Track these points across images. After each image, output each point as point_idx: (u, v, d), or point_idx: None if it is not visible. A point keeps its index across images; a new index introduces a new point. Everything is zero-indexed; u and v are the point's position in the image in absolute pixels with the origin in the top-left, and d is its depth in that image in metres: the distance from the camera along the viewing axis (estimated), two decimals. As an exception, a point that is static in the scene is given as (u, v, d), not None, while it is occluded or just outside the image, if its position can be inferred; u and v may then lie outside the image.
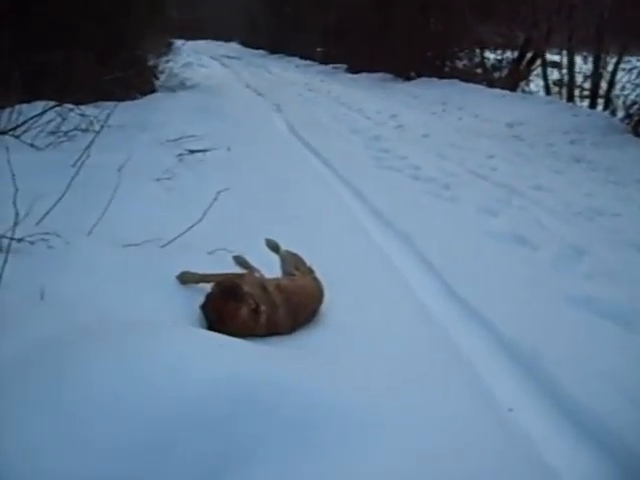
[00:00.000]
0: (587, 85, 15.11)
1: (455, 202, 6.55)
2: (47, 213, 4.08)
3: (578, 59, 15.39)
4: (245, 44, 45.22)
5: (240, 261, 4.15)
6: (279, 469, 2.32)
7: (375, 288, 4.25)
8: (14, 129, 6.74)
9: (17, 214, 3.46)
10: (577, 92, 15.30)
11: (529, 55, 17.75)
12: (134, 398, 2.35)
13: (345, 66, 25.32)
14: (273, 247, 4.48)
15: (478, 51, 19.30)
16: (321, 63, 28.16)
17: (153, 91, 13.46)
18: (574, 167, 8.53)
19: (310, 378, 2.60)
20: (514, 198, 6.72)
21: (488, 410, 3.07)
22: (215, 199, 4.46)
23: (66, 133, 6.86)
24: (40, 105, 7.17)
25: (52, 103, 7.07)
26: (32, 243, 3.53)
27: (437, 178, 7.49)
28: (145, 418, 2.30)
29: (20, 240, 3.55)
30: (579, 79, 15.34)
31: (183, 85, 15.54)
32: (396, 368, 3.17)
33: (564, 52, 15.70)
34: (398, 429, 2.63)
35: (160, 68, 16.79)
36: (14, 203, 3.45)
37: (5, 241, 3.43)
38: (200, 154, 6.94)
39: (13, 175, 3.72)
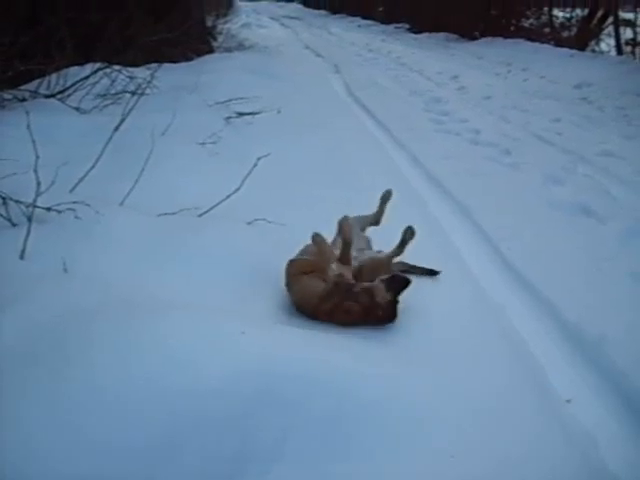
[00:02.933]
0: (662, 44, 14.32)
1: (516, 169, 6.17)
2: (80, 180, 3.92)
3: (653, 16, 14.59)
4: (306, 4, 44.72)
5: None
6: (304, 470, 2.11)
7: (428, 264, 3.95)
8: (62, 92, 6.62)
9: (38, 183, 3.27)
10: (652, 52, 14.51)
11: (600, 12, 16.90)
12: (138, 393, 2.17)
13: (407, 26, 24.70)
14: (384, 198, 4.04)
15: (546, 9, 18.51)
16: (383, 23, 27.53)
17: (210, 52, 13.24)
18: (647, 132, 8.00)
19: (342, 370, 2.37)
20: (581, 165, 6.29)
21: (544, 403, 2.78)
22: (255, 165, 4.22)
23: (114, 95, 6.69)
24: (90, 67, 7.03)
25: (99, 65, 6.89)
26: (59, 212, 3.35)
27: (498, 143, 7.09)
28: (150, 415, 2.12)
29: (49, 209, 3.38)
30: (654, 38, 14.54)
31: (241, 46, 15.34)
32: (443, 357, 2.90)
33: (638, 9, 14.86)
34: (438, 426, 2.39)
35: (218, 29, 16.62)
36: (35, 171, 3.26)
37: (31, 210, 3.26)
38: (249, 117, 6.70)
39: (33, 141, 3.45)
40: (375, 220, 4.02)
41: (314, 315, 3.12)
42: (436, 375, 2.67)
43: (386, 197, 4.05)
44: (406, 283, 3.17)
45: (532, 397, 2.78)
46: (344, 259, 3.33)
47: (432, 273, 3.77)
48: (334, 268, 3.25)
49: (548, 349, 3.26)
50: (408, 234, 3.51)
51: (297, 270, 3.26)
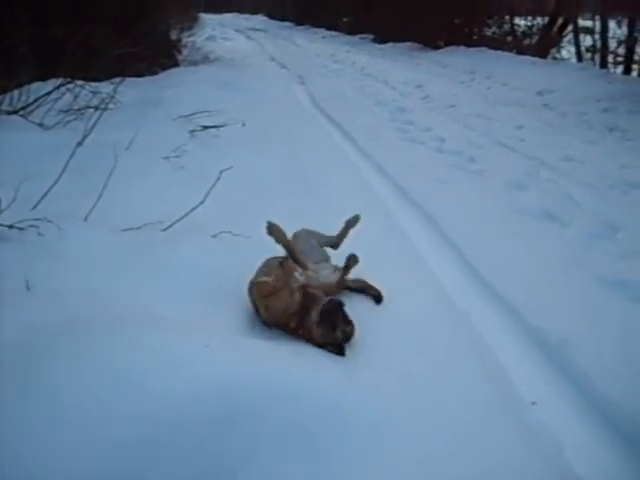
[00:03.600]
0: (621, 50, 14.51)
1: (481, 176, 6.23)
2: (43, 197, 3.88)
3: (611, 23, 14.78)
4: (271, 16, 44.77)
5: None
6: (278, 475, 2.13)
7: (393, 270, 3.96)
8: (24, 108, 6.55)
9: (-1, 200, 3.24)
10: (611, 58, 14.67)
11: (560, 21, 17.14)
12: (124, 396, 2.21)
13: (372, 36, 24.84)
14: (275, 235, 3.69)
15: (507, 18, 18.72)
16: (347, 34, 27.64)
17: (175, 65, 13.19)
18: (607, 137, 8.10)
19: (307, 378, 2.38)
20: (543, 171, 6.37)
21: (510, 406, 2.81)
22: (218, 178, 4.21)
23: (77, 111, 6.64)
24: (52, 83, 6.97)
25: (61, 80, 6.84)
26: (21, 229, 3.31)
27: (463, 150, 7.17)
28: (132, 416, 2.16)
29: (10, 227, 3.34)
30: (613, 44, 14.73)
31: (206, 59, 15.30)
32: (409, 361, 2.92)
33: (597, 16, 15.10)
34: (403, 432, 2.41)
35: (183, 42, 16.57)
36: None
37: (-8, 229, 3.23)
38: (214, 130, 6.69)
39: None
40: (334, 243, 3.98)
41: (294, 331, 3.09)
42: (400, 382, 2.69)
43: (352, 223, 4.02)
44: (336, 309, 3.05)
45: (497, 400, 2.81)
46: (299, 264, 3.34)
47: (378, 300, 3.61)
48: (298, 277, 3.23)
49: (513, 353, 3.29)
50: (352, 261, 3.50)
51: (262, 294, 3.19)
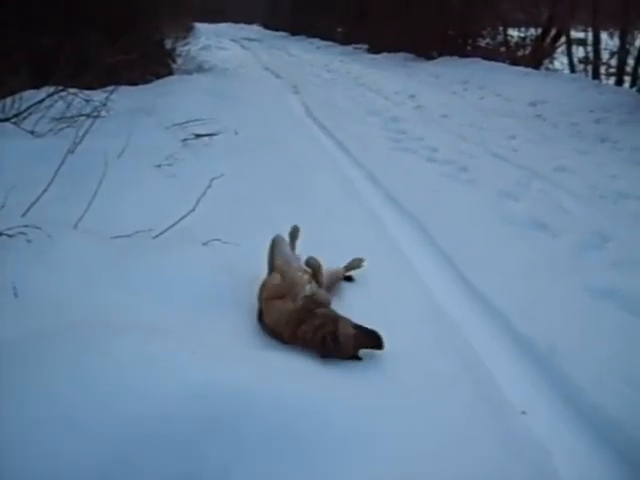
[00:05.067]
0: (613, 62, 14.59)
1: (473, 185, 6.25)
2: (33, 204, 3.87)
3: (604, 35, 14.87)
4: (266, 26, 44.88)
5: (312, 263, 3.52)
6: (262, 474, 2.12)
7: (383, 280, 3.98)
8: (16, 116, 6.54)
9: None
10: (603, 69, 14.77)
11: (553, 32, 17.22)
12: (88, 412, 2.16)
13: (366, 46, 24.91)
14: (292, 236, 3.95)
15: (501, 29, 18.81)
16: (342, 44, 27.73)
17: (170, 74, 13.20)
18: (599, 147, 8.14)
19: (295, 386, 2.37)
20: (535, 181, 6.39)
21: (499, 415, 2.80)
22: (209, 186, 4.22)
23: (69, 119, 6.64)
24: (45, 91, 6.97)
25: (54, 88, 6.84)
26: (10, 236, 3.31)
27: (455, 160, 7.18)
28: (101, 439, 2.11)
29: (0, 234, 3.34)
30: (605, 56, 14.82)
31: (201, 68, 15.32)
32: (397, 369, 2.91)
33: (589, 28, 15.18)
34: (398, 441, 2.41)
35: (178, 51, 16.60)
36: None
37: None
38: (207, 139, 6.70)
39: None
40: None
41: (288, 341, 3.07)
42: (387, 388, 2.69)
43: (294, 234, 3.99)
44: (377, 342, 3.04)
45: (487, 409, 2.80)
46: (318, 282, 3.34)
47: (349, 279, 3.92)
48: (307, 289, 3.23)
49: (502, 362, 3.29)
50: (315, 265, 3.43)
51: (269, 295, 3.23)
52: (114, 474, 2.02)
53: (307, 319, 3.04)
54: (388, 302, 3.66)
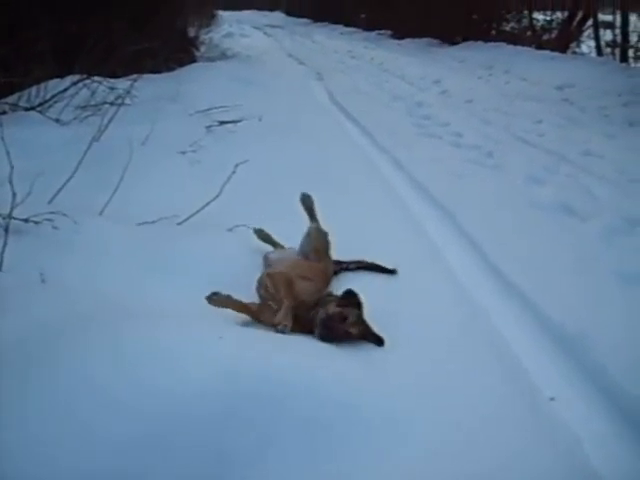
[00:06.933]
0: (642, 45, 14.38)
1: (499, 171, 6.18)
2: (59, 191, 3.89)
3: (632, 17, 14.63)
4: (289, 13, 44.72)
5: (262, 236, 3.85)
6: (288, 470, 2.11)
7: (410, 267, 3.93)
8: (42, 104, 6.59)
9: (14, 194, 3.25)
10: (631, 52, 14.54)
11: (579, 15, 16.97)
12: (131, 393, 2.20)
13: (390, 32, 24.74)
14: (307, 205, 3.97)
15: (526, 12, 18.57)
16: (365, 30, 27.56)
17: (193, 62, 13.21)
18: (628, 131, 8.00)
19: (321, 371, 2.36)
20: (562, 165, 6.31)
21: (528, 401, 2.77)
22: (233, 172, 4.20)
23: (94, 107, 6.66)
24: (70, 79, 7.00)
25: (79, 77, 6.86)
26: (37, 223, 3.32)
27: (481, 145, 7.11)
28: (138, 413, 2.15)
29: (26, 220, 3.36)
30: (633, 38, 14.58)
31: (224, 55, 15.35)
32: (427, 357, 2.88)
33: (617, 10, 14.94)
34: (426, 427, 2.38)
35: (201, 39, 16.62)
36: (10, 182, 3.23)
37: (8, 222, 3.23)
38: (231, 125, 6.68)
39: (7, 152, 3.43)
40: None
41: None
42: (415, 376, 2.66)
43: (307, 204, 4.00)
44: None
45: (516, 395, 2.77)
46: None
47: (389, 272, 3.78)
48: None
49: (531, 348, 3.25)
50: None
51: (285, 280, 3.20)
52: (148, 449, 2.05)
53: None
54: (413, 286, 3.63)
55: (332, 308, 2.97)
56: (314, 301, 3.08)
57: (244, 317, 3.03)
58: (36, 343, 2.45)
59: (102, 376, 2.25)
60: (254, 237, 3.84)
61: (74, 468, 2.01)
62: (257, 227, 3.87)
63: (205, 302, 2.93)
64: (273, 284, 3.08)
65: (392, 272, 3.80)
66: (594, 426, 2.71)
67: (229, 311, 2.98)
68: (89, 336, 2.45)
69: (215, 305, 2.99)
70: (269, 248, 3.78)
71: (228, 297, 3.02)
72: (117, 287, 3.01)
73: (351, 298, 3.04)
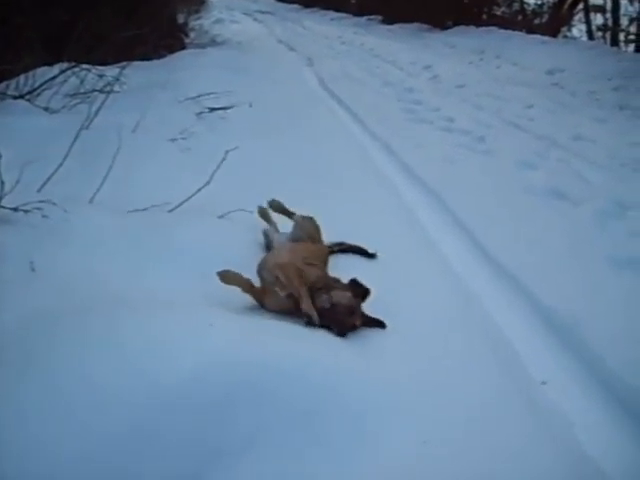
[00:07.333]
0: (633, 28, 14.32)
1: (490, 155, 6.17)
2: (48, 179, 3.86)
3: (623, 1, 14.59)
4: (279, -1, 44.44)
5: (276, 206, 3.98)
6: (280, 459, 2.11)
7: (400, 250, 3.93)
8: (30, 92, 6.53)
9: (2, 183, 3.23)
10: (622, 36, 14.52)
11: (570, -1, 16.94)
12: (122, 382, 2.20)
13: (380, 17, 24.58)
14: (277, 209, 4.05)
15: (517, -4, 18.51)
16: (356, 15, 27.36)
17: (183, 48, 13.11)
18: (618, 115, 8.01)
19: (315, 360, 2.35)
20: (553, 150, 6.31)
21: (519, 385, 2.78)
22: (224, 159, 4.18)
23: (83, 95, 6.60)
24: (59, 67, 6.94)
25: (67, 64, 6.81)
26: (26, 212, 3.30)
27: (472, 130, 7.10)
28: (132, 403, 2.16)
29: (15, 209, 3.33)
30: (624, 22, 14.56)
31: (214, 42, 15.22)
32: (418, 343, 2.88)
33: (608, -5, 14.91)
34: (419, 415, 2.39)
35: (190, 25, 16.50)
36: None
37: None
38: (221, 112, 6.65)
39: None
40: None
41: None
42: (408, 363, 2.66)
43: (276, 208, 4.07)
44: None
45: (507, 380, 2.78)
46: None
47: (369, 255, 3.78)
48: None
49: (523, 333, 3.26)
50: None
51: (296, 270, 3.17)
52: (140, 440, 2.07)
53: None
54: (405, 273, 3.62)
55: (338, 296, 2.96)
56: (318, 285, 3.07)
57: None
58: (31, 333, 2.44)
59: (96, 366, 2.25)
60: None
61: (68, 459, 2.02)
62: (270, 199, 3.99)
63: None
64: (285, 275, 3.07)
65: (372, 256, 3.79)
66: (585, 410, 2.72)
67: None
68: (84, 327, 2.44)
69: (225, 282, 3.04)
70: (264, 230, 3.79)
71: (239, 275, 3.07)
72: (109, 275, 2.99)
73: (358, 289, 3.04)
